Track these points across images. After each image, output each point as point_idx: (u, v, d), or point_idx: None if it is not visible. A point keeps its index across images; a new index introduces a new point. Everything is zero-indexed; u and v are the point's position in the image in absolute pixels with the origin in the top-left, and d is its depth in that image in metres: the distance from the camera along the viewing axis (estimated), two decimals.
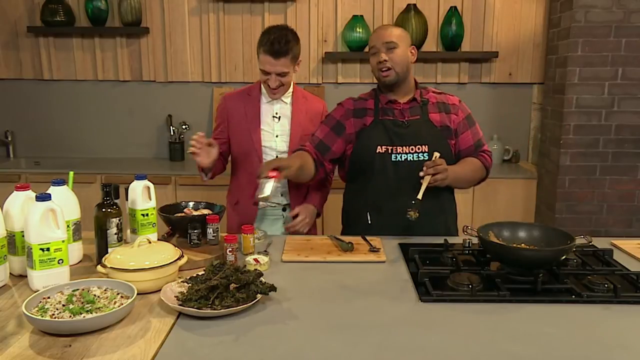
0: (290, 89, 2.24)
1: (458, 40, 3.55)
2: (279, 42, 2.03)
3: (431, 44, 3.66)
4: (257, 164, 2.15)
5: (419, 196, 1.81)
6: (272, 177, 1.77)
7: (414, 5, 3.52)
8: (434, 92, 2.10)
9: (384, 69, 1.98)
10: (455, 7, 3.54)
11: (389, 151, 1.99)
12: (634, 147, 3.29)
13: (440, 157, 1.93)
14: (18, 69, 3.78)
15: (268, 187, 1.76)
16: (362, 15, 3.55)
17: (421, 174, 1.85)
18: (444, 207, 2.08)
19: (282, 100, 2.23)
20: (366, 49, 3.56)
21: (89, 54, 3.76)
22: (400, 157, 1.98)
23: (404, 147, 1.98)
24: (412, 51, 2.03)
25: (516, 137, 3.82)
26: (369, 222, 2.03)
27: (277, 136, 2.22)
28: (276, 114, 2.22)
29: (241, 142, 2.22)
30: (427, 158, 1.96)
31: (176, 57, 3.73)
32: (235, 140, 2.24)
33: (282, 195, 2.26)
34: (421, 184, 1.84)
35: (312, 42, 3.68)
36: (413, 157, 1.98)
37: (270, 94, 2.18)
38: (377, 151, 1.99)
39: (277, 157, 2.21)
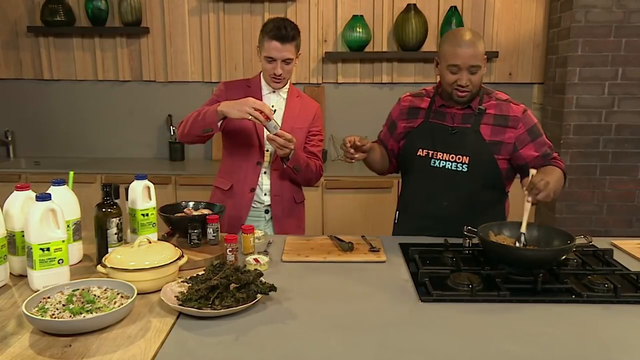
0: (288, 85, 2.24)
1: None
2: (286, 28, 2.04)
3: (431, 44, 3.66)
4: (258, 152, 2.18)
5: (523, 229, 1.64)
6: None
7: (414, 5, 3.52)
8: (498, 99, 1.95)
9: (462, 91, 1.86)
10: (455, 7, 3.54)
11: (429, 155, 1.94)
12: (634, 147, 3.29)
13: (482, 170, 1.88)
14: (18, 69, 3.78)
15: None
16: (362, 15, 3.55)
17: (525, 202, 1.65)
18: (493, 213, 1.96)
19: (280, 94, 2.22)
20: (367, 49, 3.59)
21: (89, 54, 3.76)
22: (439, 163, 1.93)
23: (445, 154, 1.92)
24: (484, 61, 1.88)
25: None
26: (396, 221, 2.07)
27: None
28: (272, 106, 2.20)
29: (245, 127, 2.16)
30: (465, 170, 1.89)
31: (176, 57, 3.73)
32: (238, 125, 2.15)
33: (265, 194, 2.22)
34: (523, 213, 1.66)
35: (312, 42, 3.68)
36: (451, 166, 1.91)
37: (272, 82, 2.16)
38: (418, 154, 1.96)
39: (266, 150, 2.20)
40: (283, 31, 2.04)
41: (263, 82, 2.22)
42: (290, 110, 2.23)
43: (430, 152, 1.95)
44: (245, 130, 2.18)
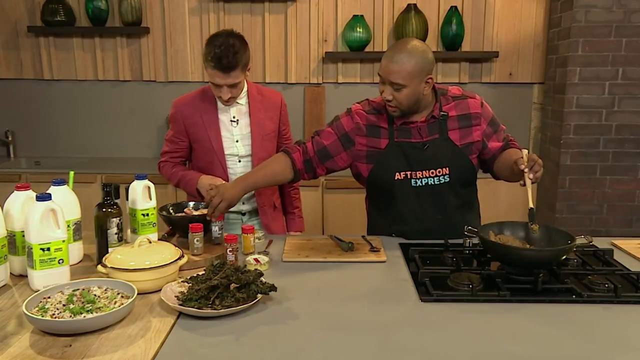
0: (245, 88, 2.16)
1: (458, 40, 3.55)
2: (227, 57, 1.93)
3: (431, 44, 3.66)
4: (221, 173, 2.13)
5: (531, 204, 1.66)
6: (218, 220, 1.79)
7: (414, 5, 3.52)
8: (453, 96, 1.93)
9: (388, 105, 1.84)
10: (456, 7, 3.54)
11: (409, 176, 1.89)
12: (634, 146, 3.29)
13: (463, 174, 1.91)
14: (18, 69, 3.78)
15: (217, 231, 1.79)
16: (362, 15, 3.55)
17: (525, 179, 1.65)
18: (473, 206, 2.05)
19: (238, 103, 2.14)
20: (368, 49, 3.60)
21: (90, 54, 3.76)
22: (421, 181, 1.89)
23: (424, 172, 1.88)
24: (428, 81, 1.81)
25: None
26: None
27: (237, 141, 2.15)
28: (234, 117, 2.15)
29: (203, 150, 2.15)
30: (448, 180, 1.89)
31: (176, 57, 3.73)
32: (197, 148, 2.17)
33: (243, 203, 2.20)
34: (525, 188, 1.65)
35: (312, 42, 3.68)
36: (434, 181, 1.89)
37: (222, 103, 2.10)
38: (396, 178, 1.89)
39: (239, 161, 2.16)
40: (224, 61, 1.92)
41: None
42: (255, 115, 2.16)
43: (408, 173, 1.89)
44: (206, 154, 2.14)
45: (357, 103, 2.00)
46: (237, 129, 2.16)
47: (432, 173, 1.89)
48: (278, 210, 2.31)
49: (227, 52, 1.93)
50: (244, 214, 2.24)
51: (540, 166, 1.65)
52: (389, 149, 1.90)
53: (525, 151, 1.70)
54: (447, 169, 1.89)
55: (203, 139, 2.14)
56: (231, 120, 2.16)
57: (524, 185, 1.66)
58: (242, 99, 2.16)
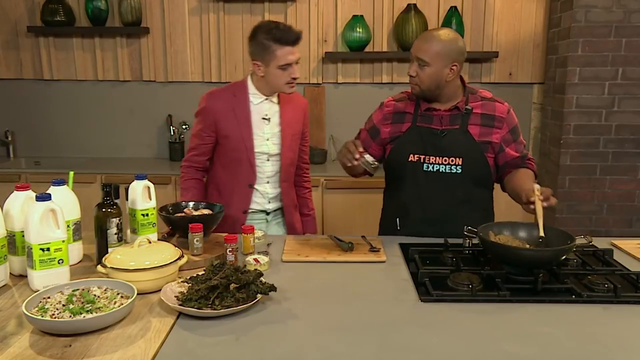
0: None
1: None
2: (291, 29, 1.99)
3: None
4: (249, 171, 2.11)
5: (542, 233, 1.63)
6: (362, 152, 1.77)
7: (414, 5, 3.52)
8: (483, 98, 1.99)
9: (411, 81, 1.93)
10: (455, 7, 3.54)
11: (421, 160, 1.94)
12: (634, 147, 3.29)
13: (476, 169, 1.93)
14: (18, 69, 3.78)
15: (370, 158, 1.78)
16: (362, 15, 3.55)
17: (537, 208, 1.65)
18: (483, 210, 2.05)
19: (271, 100, 2.14)
20: (367, 49, 3.60)
21: (89, 54, 3.76)
22: (432, 167, 1.93)
23: (437, 158, 1.93)
24: (453, 68, 1.88)
25: None
26: (398, 227, 2.03)
27: (267, 139, 2.13)
28: (266, 115, 2.13)
29: (232, 147, 2.11)
30: (459, 171, 1.91)
31: (176, 57, 3.73)
32: (225, 144, 2.12)
33: (269, 202, 2.20)
34: (536, 219, 1.65)
35: (312, 42, 3.68)
36: (445, 169, 1.92)
37: (289, 89, 2.06)
38: (409, 159, 1.95)
39: (267, 160, 2.14)
40: (293, 34, 1.98)
41: (252, 90, 2.11)
42: (285, 114, 2.16)
43: (422, 156, 1.94)
44: (236, 151, 2.10)
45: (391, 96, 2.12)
46: (269, 127, 2.13)
47: (445, 160, 1.93)
48: (298, 210, 2.32)
49: (289, 26, 2.00)
50: (268, 214, 2.22)
51: (552, 195, 1.66)
52: (409, 131, 1.98)
53: (537, 186, 1.70)
54: (461, 159, 1.92)
55: (234, 135, 2.09)
56: (263, 118, 2.13)
57: (534, 211, 1.65)
58: (275, 97, 2.15)
